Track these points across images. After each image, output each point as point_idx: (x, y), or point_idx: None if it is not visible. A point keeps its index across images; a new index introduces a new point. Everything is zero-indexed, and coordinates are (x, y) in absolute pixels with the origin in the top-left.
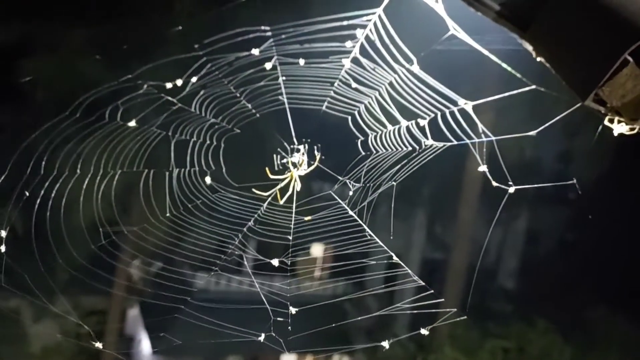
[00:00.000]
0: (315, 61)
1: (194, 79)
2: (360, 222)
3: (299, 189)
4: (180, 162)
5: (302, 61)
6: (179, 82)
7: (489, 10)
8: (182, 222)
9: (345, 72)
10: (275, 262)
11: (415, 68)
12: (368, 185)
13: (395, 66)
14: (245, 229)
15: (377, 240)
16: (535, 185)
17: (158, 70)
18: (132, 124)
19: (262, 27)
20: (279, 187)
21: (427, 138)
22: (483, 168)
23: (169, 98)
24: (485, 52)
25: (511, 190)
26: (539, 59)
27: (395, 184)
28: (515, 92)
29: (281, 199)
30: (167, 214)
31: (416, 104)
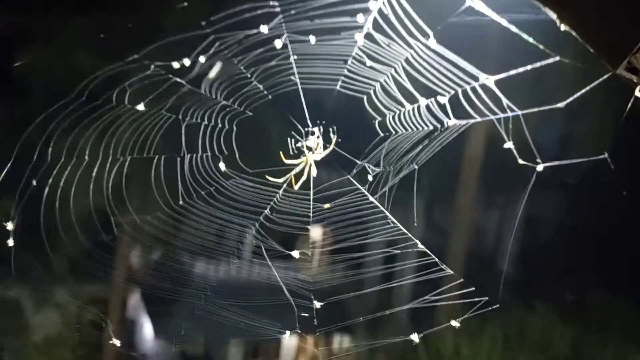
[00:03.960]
0: (327, 38)
1: (202, 59)
2: (383, 209)
3: (315, 175)
4: (191, 147)
5: (313, 39)
6: (187, 62)
7: None
8: (196, 211)
9: (359, 48)
10: (295, 253)
11: (432, 42)
12: (388, 169)
13: (411, 41)
14: (261, 218)
15: (402, 228)
16: (566, 162)
17: (162, 50)
18: (141, 107)
19: (271, 2)
20: (293, 172)
21: (448, 116)
22: (509, 144)
23: (178, 79)
24: (505, 23)
25: (539, 168)
26: (563, 27)
27: (417, 167)
28: (538, 64)
29: (296, 184)
30: (180, 202)
31: (435, 80)
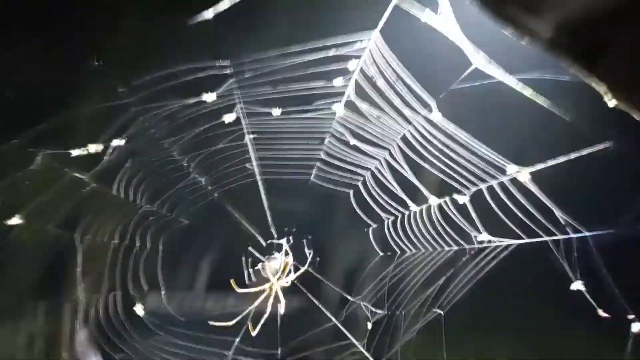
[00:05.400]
0: (295, 110)
1: (116, 142)
2: None
3: (283, 312)
4: (92, 283)
5: (277, 111)
6: (94, 149)
7: (537, 39)
8: None
9: (338, 122)
10: None
11: (436, 116)
12: (397, 313)
13: (408, 113)
14: None
15: None
16: None
17: (58, 131)
18: (16, 221)
19: (219, 62)
20: (251, 308)
21: (477, 229)
22: (578, 285)
23: (78, 175)
24: (529, 93)
25: (635, 328)
26: (613, 103)
27: (443, 313)
28: (585, 151)
29: (254, 329)
30: None
31: (447, 170)
